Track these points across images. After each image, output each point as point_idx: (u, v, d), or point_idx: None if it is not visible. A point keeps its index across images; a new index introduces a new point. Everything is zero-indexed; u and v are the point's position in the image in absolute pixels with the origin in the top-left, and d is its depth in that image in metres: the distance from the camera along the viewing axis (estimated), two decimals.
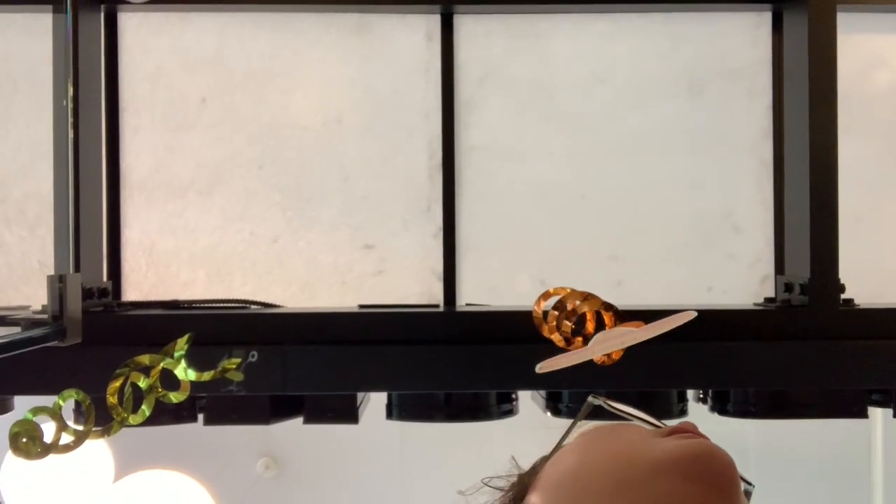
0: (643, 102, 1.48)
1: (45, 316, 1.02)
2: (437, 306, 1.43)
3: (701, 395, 1.39)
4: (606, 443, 0.67)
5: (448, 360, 1.27)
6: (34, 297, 1.45)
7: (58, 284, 1.00)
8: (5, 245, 1.46)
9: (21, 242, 1.46)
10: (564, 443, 0.71)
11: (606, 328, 0.87)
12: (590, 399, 0.74)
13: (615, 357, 0.89)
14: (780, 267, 1.45)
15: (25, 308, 1.40)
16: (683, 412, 1.34)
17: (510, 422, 1.37)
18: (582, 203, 1.48)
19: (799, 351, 1.27)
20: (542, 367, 0.83)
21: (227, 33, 1.47)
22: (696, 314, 0.86)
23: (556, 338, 0.88)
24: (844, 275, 1.29)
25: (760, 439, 2.13)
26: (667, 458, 0.62)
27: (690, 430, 0.65)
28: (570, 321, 0.88)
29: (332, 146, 1.48)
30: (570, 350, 0.84)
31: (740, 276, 1.47)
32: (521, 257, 1.49)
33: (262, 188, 1.48)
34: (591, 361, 0.88)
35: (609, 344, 0.85)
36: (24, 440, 0.74)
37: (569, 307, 0.89)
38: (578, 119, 1.48)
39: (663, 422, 0.71)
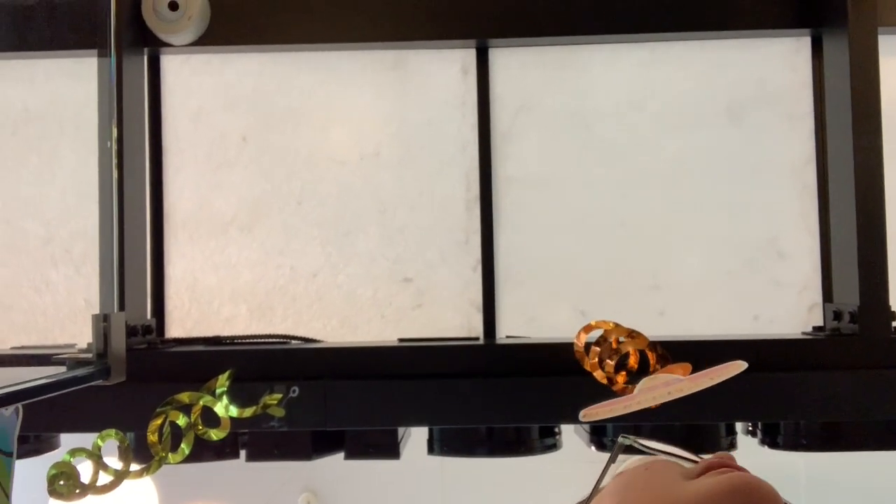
0: (683, 129, 1.47)
1: (90, 355, 1.04)
2: (476, 339, 1.42)
3: (750, 428, 1.35)
4: (642, 488, 0.65)
5: (489, 393, 1.25)
6: (80, 335, 1.47)
7: (102, 324, 1.01)
8: (52, 284, 1.49)
9: (67, 281, 1.49)
10: (601, 485, 0.70)
11: (650, 366, 0.85)
12: (620, 439, 0.73)
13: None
14: (828, 295, 1.42)
15: (71, 346, 1.42)
16: (732, 445, 1.30)
17: (553, 456, 1.35)
18: (622, 231, 1.47)
19: (850, 381, 1.23)
20: (586, 415, 0.82)
21: (266, 73, 1.49)
22: (746, 365, 0.84)
23: (599, 375, 0.87)
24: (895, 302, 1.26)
25: (811, 472, 2.07)
26: (705, 496, 0.60)
27: (726, 464, 0.63)
28: (612, 360, 0.87)
29: (370, 180, 1.49)
30: (612, 387, 0.83)
31: (788, 304, 1.44)
32: (561, 288, 1.47)
33: (301, 223, 1.49)
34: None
35: (655, 394, 0.83)
36: (62, 482, 0.75)
37: (612, 342, 0.87)
38: (617, 147, 1.47)
39: (700, 455, 0.69)
